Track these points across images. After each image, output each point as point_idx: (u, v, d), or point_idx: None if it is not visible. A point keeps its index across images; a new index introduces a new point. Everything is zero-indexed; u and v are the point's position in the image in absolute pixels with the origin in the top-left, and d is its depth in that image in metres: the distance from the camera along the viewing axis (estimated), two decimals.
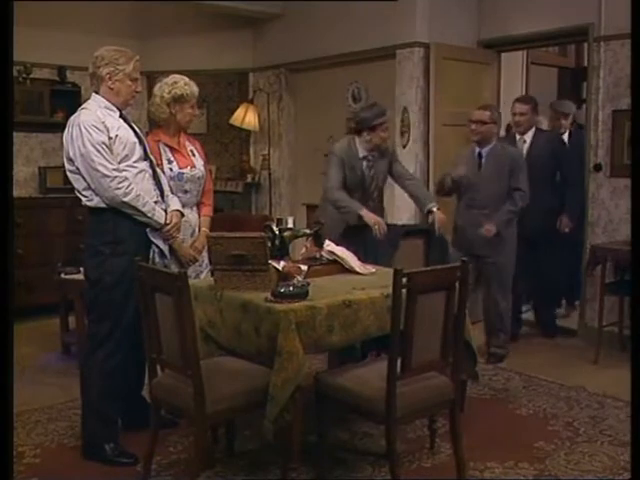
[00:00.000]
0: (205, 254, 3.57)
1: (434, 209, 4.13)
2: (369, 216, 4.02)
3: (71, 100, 5.87)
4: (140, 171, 3.17)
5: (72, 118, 3.13)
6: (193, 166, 3.60)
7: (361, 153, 4.20)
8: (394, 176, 4.37)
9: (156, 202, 3.22)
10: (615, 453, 3.23)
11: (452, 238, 4.54)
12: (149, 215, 3.16)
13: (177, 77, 3.58)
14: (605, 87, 4.91)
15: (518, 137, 4.90)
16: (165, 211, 3.27)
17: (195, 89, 3.57)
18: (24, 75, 5.99)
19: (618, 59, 4.80)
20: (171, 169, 3.51)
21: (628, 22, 3.80)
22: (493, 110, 4.47)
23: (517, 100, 4.97)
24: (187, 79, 3.59)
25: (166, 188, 3.35)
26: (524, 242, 4.61)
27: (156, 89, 3.59)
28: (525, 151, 4.79)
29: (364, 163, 4.22)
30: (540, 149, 4.81)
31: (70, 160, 3.10)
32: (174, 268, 3.32)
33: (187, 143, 3.67)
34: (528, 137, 4.87)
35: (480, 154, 4.44)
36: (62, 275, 4.64)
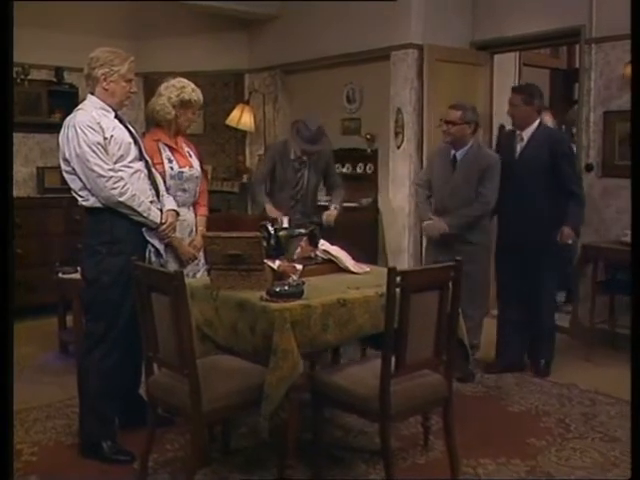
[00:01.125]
0: (202, 253, 3.61)
1: (332, 207, 4.54)
2: (272, 211, 4.29)
3: (69, 101, 5.87)
4: (135, 171, 3.20)
5: (68, 119, 3.15)
6: (191, 166, 3.64)
7: (292, 155, 4.47)
8: (326, 185, 4.75)
9: (152, 202, 3.24)
10: (606, 449, 3.27)
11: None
12: (145, 215, 3.18)
13: (185, 82, 3.61)
14: (596, 89, 4.95)
15: (517, 132, 4.28)
16: (161, 211, 3.30)
17: (201, 97, 3.64)
18: (22, 76, 6.02)
19: (609, 61, 4.85)
20: (172, 168, 3.54)
21: (620, 24, 3.85)
22: (466, 110, 4.08)
23: (512, 88, 4.43)
24: (193, 85, 3.64)
25: (161, 188, 3.37)
26: (509, 253, 4.26)
27: (162, 89, 3.60)
28: (519, 149, 4.23)
29: (295, 164, 4.49)
30: (537, 149, 4.18)
31: (66, 161, 3.12)
32: (170, 267, 3.36)
33: (183, 145, 3.71)
34: (526, 134, 4.22)
35: (455, 156, 4.15)
36: (60, 275, 4.67)
